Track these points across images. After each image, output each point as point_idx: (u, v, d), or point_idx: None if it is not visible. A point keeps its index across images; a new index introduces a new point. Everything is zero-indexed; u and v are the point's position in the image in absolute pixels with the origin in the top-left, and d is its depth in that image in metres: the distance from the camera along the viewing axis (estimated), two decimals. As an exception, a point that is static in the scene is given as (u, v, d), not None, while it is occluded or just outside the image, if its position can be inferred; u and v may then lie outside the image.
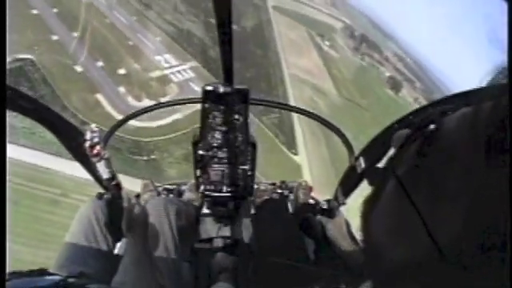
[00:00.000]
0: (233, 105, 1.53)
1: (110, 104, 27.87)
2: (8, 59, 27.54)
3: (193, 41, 38.65)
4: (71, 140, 1.47)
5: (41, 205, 20.34)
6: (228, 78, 1.34)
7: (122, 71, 30.99)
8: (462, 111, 0.37)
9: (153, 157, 25.55)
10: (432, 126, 0.42)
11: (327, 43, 43.01)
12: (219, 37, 0.94)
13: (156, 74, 32.11)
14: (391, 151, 0.50)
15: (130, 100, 28.10)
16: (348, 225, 1.83)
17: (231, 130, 1.63)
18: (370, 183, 0.55)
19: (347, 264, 1.62)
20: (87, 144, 1.46)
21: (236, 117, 1.59)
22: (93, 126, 1.49)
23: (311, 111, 1.95)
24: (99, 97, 28.24)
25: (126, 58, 32.42)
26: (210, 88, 1.45)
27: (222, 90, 1.44)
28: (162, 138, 26.26)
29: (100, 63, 30.93)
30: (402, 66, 43.92)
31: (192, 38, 39.26)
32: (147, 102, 26.30)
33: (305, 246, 1.77)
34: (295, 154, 29.75)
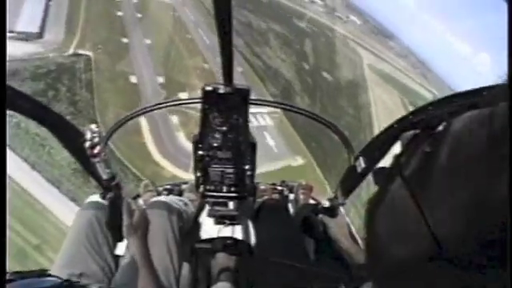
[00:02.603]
0: (233, 105, 1.51)
1: (153, 134, 20.17)
2: (68, 52, 25.72)
3: (279, 82, 34.12)
4: (71, 140, 1.44)
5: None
6: (228, 79, 1.32)
7: (183, 95, 24.35)
8: (471, 113, 0.36)
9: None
10: (441, 127, 0.41)
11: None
12: (219, 37, 0.93)
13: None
14: (395, 150, 0.52)
15: (181, 138, 21.04)
16: (349, 225, 1.85)
17: (231, 131, 1.62)
18: (376, 183, 0.58)
19: (348, 264, 1.61)
20: (87, 144, 1.43)
21: (236, 117, 1.57)
22: (93, 126, 1.46)
23: (312, 112, 1.95)
24: (143, 121, 20.67)
25: (193, 82, 26.90)
26: (210, 88, 1.44)
27: (222, 90, 1.43)
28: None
29: (161, 79, 27.33)
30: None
31: (278, 79, 35.01)
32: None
33: (305, 246, 1.78)
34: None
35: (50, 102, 20.80)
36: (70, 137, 1.43)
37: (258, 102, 1.83)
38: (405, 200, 0.41)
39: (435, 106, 1.04)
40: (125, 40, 29.66)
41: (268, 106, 2.02)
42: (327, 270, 1.40)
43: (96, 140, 1.45)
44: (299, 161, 24.99)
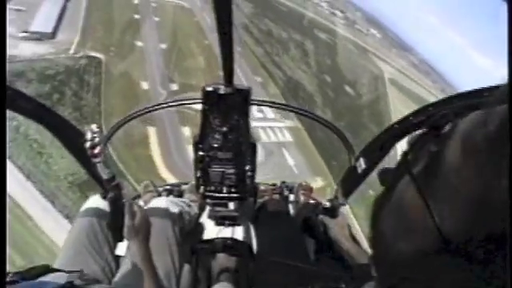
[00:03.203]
0: (233, 105, 1.50)
1: (161, 147, 18.18)
2: (79, 54, 24.68)
3: (299, 94, 32.03)
4: (71, 140, 1.44)
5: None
6: (228, 79, 1.32)
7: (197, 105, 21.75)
8: (477, 112, 0.37)
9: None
10: (447, 127, 0.42)
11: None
12: (219, 37, 0.93)
13: None
14: (403, 149, 0.51)
15: (191, 152, 18.23)
16: (349, 225, 1.83)
17: (231, 131, 1.61)
18: (382, 183, 0.55)
19: (348, 264, 1.60)
20: (88, 144, 1.42)
21: (236, 117, 1.56)
22: (93, 126, 1.46)
23: (312, 112, 1.94)
24: (151, 131, 18.71)
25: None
26: (210, 89, 1.43)
27: (222, 90, 1.41)
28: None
29: (175, 86, 25.66)
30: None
31: (298, 91, 32.86)
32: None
33: (305, 247, 1.76)
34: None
35: (54, 106, 19.43)
36: (70, 137, 1.43)
37: (259, 103, 1.83)
38: (411, 197, 0.42)
39: (435, 106, 1.05)
40: (139, 44, 28.49)
41: (268, 106, 1.99)
42: (328, 270, 1.40)
43: (96, 140, 1.43)
44: (319, 182, 22.38)
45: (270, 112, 25.67)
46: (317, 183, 21.97)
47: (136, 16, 32.25)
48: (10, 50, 22.12)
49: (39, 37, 24.50)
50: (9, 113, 0.90)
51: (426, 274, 0.39)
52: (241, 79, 28.21)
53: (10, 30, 24.08)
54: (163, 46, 28.71)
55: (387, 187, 0.51)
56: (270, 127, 24.89)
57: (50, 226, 15.74)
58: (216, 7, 0.79)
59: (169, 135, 20.62)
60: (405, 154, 0.49)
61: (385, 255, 0.49)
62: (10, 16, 25.04)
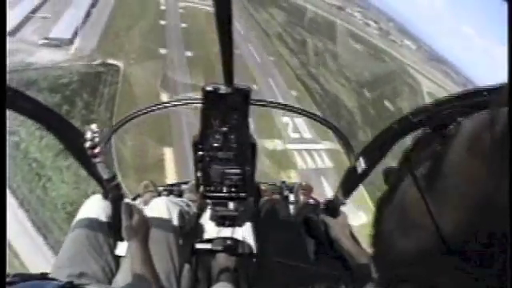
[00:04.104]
0: (233, 105, 1.49)
1: (178, 172, 14.94)
2: (97, 61, 22.21)
3: (338, 111, 28.25)
4: (71, 140, 1.44)
5: None
6: (228, 79, 1.31)
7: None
8: (483, 112, 0.37)
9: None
10: (451, 127, 0.42)
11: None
12: (219, 37, 0.93)
13: (273, 145, 20.16)
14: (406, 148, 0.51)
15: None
16: (349, 225, 1.82)
17: (231, 131, 1.60)
18: (385, 182, 0.55)
19: (348, 264, 1.59)
20: (88, 144, 1.42)
21: (236, 117, 1.55)
22: (93, 126, 1.45)
23: (312, 112, 1.96)
24: (167, 153, 15.45)
25: None
26: (210, 88, 1.42)
27: (222, 90, 1.41)
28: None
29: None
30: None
31: (337, 107, 29.13)
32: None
33: (305, 246, 1.77)
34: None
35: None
36: (70, 137, 1.43)
37: (259, 103, 1.84)
38: (413, 196, 0.42)
39: (435, 106, 1.04)
40: (163, 51, 25.69)
41: (268, 106, 1.98)
42: (328, 270, 1.38)
43: (96, 140, 1.43)
44: (363, 218, 17.72)
45: (306, 131, 21.81)
46: (360, 219, 17.29)
47: (162, 22, 30.25)
48: (26, 58, 20.33)
49: (58, 43, 22.95)
50: (10, 127, 1.29)
51: (426, 273, 0.39)
52: (275, 94, 24.75)
53: (32, 37, 22.71)
54: (189, 53, 26.00)
55: (390, 186, 0.51)
56: (306, 150, 21.18)
57: (39, 268, 12.46)
58: (216, 7, 0.79)
59: (188, 157, 17.21)
60: (407, 153, 0.49)
61: (385, 254, 0.49)
62: (35, 24, 23.78)
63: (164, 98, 19.26)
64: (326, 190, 18.05)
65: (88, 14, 27.39)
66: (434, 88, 43.41)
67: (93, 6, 29.32)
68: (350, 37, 47.17)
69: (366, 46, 46.37)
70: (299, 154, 20.84)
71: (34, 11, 25.63)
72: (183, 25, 30.38)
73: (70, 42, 23.19)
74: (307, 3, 53.61)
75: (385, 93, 35.11)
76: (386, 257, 0.48)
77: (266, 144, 19.74)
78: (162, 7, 32.89)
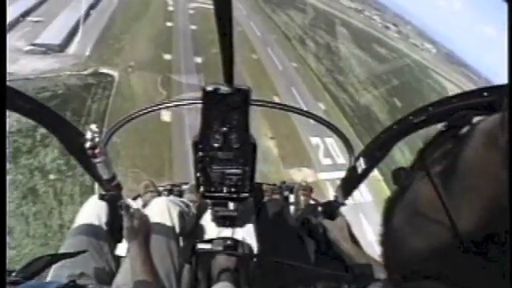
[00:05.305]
0: (233, 105, 1.49)
1: None
2: (88, 70, 18.74)
3: (371, 125, 24.33)
4: (71, 140, 1.43)
5: None
6: (228, 79, 1.31)
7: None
8: (496, 115, 0.37)
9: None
10: (465, 128, 0.42)
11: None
12: (219, 37, 0.94)
13: (303, 176, 14.87)
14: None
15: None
16: (349, 226, 1.83)
17: (231, 131, 1.60)
18: (395, 182, 0.54)
19: (348, 265, 1.60)
20: (88, 144, 1.41)
21: (236, 117, 1.55)
22: (93, 126, 1.44)
23: (312, 112, 1.96)
24: None
25: (257, 124, 15.88)
26: (210, 88, 1.42)
27: (222, 90, 1.40)
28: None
29: None
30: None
31: (370, 121, 24.96)
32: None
33: (305, 247, 1.78)
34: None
35: (42, 141, 12.94)
36: (69, 137, 1.42)
37: (259, 103, 1.84)
38: (426, 194, 0.42)
39: (435, 106, 1.05)
40: (167, 57, 21.69)
41: (268, 106, 1.97)
42: (329, 270, 1.40)
43: (96, 140, 1.41)
44: None
45: (339, 155, 17.30)
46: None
47: (168, 24, 26.77)
48: (8, 67, 16.10)
49: (45, 50, 19.33)
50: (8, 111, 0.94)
51: (445, 269, 0.39)
52: (298, 103, 20.60)
53: (18, 43, 19.46)
54: (198, 59, 21.71)
55: (401, 186, 0.51)
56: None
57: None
58: (216, 7, 0.79)
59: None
60: (421, 152, 0.49)
61: (395, 252, 0.49)
62: (25, 28, 20.57)
63: (166, 117, 15.26)
64: (366, 229, 13.69)
65: (86, 16, 24.58)
66: (458, 92, 42.23)
67: (92, 7, 26.05)
68: (372, 40, 45.22)
69: (389, 49, 44.35)
70: (332, 185, 16.37)
71: (26, 14, 22.49)
72: (193, 27, 26.70)
73: (60, 48, 19.81)
74: (324, 4, 50.70)
75: (414, 101, 31.51)
76: (397, 255, 0.48)
77: (294, 175, 15.36)
78: (170, 8, 29.98)
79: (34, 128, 13.29)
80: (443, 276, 0.39)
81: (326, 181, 15.67)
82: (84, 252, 1.28)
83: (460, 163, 0.38)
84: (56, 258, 1.12)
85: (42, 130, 13.28)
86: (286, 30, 35.55)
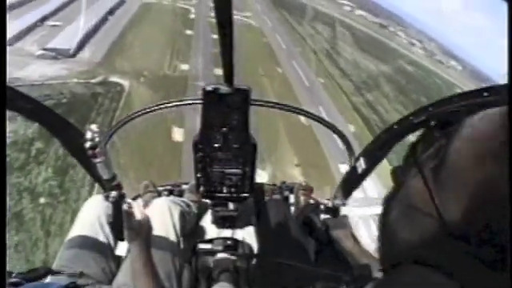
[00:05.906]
0: (233, 105, 1.49)
1: None
2: (96, 78, 17.28)
3: (404, 150, 20.29)
4: (71, 140, 1.44)
5: None
6: (228, 79, 1.32)
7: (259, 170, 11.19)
8: (487, 112, 0.39)
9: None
10: (456, 125, 0.43)
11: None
12: (219, 37, 0.94)
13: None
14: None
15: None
16: (350, 225, 1.82)
17: (231, 131, 1.60)
18: (393, 181, 0.56)
19: (349, 265, 1.59)
20: (88, 144, 1.39)
21: (236, 117, 1.55)
22: (93, 126, 1.41)
23: (312, 112, 1.95)
24: None
25: (282, 150, 13.60)
26: (210, 88, 1.42)
27: (222, 90, 1.41)
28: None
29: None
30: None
31: (403, 145, 20.18)
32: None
33: (306, 247, 1.76)
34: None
35: (37, 156, 11.52)
36: (69, 137, 1.44)
37: (259, 103, 1.83)
38: (417, 186, 0.44)
39: (435, 106, 1.04)
40: (184, 67, 20.06)
41: (268, 106, 1.96)
42: (328, 270, 1.38)
43: (96, 140, 1.40)
44: None
45: (371, 187, 14.61)
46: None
47: (188, 32, 25.75)
48: (14, 72, 15.65)
49: (55, 55, 18.21)
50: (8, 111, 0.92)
51: (430, 254, 0.40)
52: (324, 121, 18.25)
53: (32, 48, 18.85)
54: (217, 71, 19.77)
55: (397, 183, 0.52)
56: (373, 216, 13.86)
57: None
58: (216, 7, 0.79)
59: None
60: (413, 146, 0.50)
61: (390, 243, 0.50)
62: (41, 32, 19.57)
63: (177, 136, 13.23)
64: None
65: (103, 22, 24.05)
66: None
67: (110, 12, 25.07)
68: (398, 57, 44.25)
69: (416, 67, 43.49)
70: (365, 223, 13.78)
71: (45, 18, 21.77)
72: (214, 36, 24.97)
73: (71, 53, 18.74)
74: (348, 18, 49.31)
75: (445, 121, 29.88)
76: (392, 245, 0.50)
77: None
78: (192, 15, 29.34)
79: (30, 141, 11.86)
80: (431, 262, 0.40)
81: (358, 220, 13.11)
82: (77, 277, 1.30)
83: (448, 157, 0.39)
84: (51, 272, 1.19)
85: (39, 144, 11.84)
86: (311, 42, 34.10)
